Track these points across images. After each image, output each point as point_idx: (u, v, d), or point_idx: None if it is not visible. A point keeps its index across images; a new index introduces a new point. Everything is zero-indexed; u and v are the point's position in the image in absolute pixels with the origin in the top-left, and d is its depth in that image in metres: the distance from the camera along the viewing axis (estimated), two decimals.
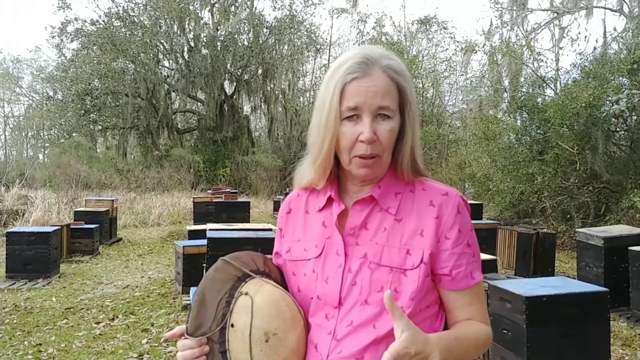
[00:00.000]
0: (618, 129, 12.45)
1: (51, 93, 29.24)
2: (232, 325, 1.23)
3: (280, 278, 1.40)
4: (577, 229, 7.73)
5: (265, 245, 5.20)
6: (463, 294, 1.31)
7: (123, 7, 26.67)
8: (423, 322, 1.28)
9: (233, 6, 28.56)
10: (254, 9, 28.25)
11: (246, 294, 1.26)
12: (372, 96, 1.24)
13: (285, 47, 29.07)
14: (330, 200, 1.36)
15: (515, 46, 17.63)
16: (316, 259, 1.33)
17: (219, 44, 27.21)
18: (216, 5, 28.19)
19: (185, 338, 1.25)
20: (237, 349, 1.22)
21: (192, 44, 27.51)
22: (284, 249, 1.42)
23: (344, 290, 1.27)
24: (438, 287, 1.31)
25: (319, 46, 31.47)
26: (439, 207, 1.29)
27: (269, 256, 1.46)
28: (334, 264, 1.30)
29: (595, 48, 16.32)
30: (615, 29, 20.14)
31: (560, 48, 17.78)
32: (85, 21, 26.41)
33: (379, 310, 1.23)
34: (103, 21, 26.22)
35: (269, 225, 7.65)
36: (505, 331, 4.03)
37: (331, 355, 1.25)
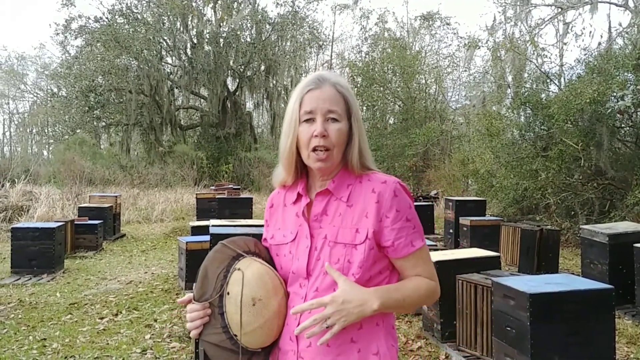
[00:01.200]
0: (623, 125, 12.41)
1: (55, 90, 29.24)
2: (228, 293, 1.59)
3: (268, 257, 1.76)
4: (581, 226, 7.68)
5: None
6: (407, 260, 1.64)
7: (126, 4, 26.69)
8: (378, 285, 1.63)
9: (236, 2, 28.54)
10: (256, 5, 28.24)
11: (239, 269, 1.62)
12: (322, 102, 1.62)
13: (288, 43, 29.07)
14: (300, 196, 1.72)
15: (519, 42, 17.55)
16: (292, 242, 1.69)
17: (221, 40, 27.20)
18: (219, 2, 28.17)
19: (193, 303, 1.61)
20: (231, 311, 1.59)
21: (195, 41, 27.51)
22: (269, 236, 1.79)
23: (311, 265, 1.63)
24: (387, 257, 1.64)
25: (321, 42, 31.47)
26: (379, 193, 1.62)
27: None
28: (303, 245, 1.66)
29: (600, 43, 16.25)
30: (620, 24, 20.05)
31: (565, 43, 17.68)
32: (89, 18, 26.47)
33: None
34: (107, 18, 26.22)
35: None
36: (508, 328, 4.02)
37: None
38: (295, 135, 1.63)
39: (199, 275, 1.62)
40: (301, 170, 1.72)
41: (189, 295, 1.64)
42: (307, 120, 1.62)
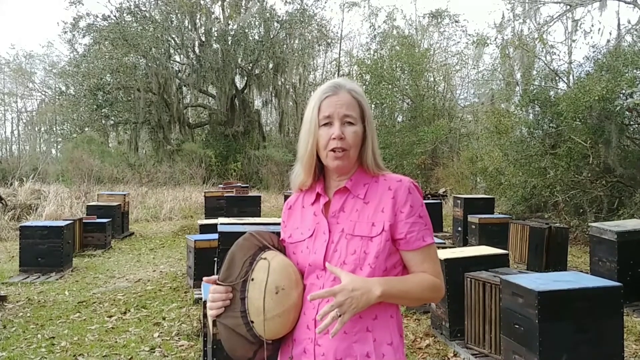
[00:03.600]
0: (632, 123, 12.34)
1: (63, 88, 29.32)
2: (253, 280, 1.66)
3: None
4: (590, 223, 7.65)
5: None
6: (416, 254, 1.72)
7: (134, 2, 26.75)
8: None
9: (244, 0, 28.54)
10: (264, 3, 28.23)
11: (265, 258, 1.69)
12: (339, 107, 1.73)
13: (296, 41, 29.06)
14: (318, 195, 1.83)
15: (528, 39, 17.49)
16: (309, 238, 1.78)
17: (230, 38, 27.21)
18: None
19: (217, 284, 1.68)
20: (254, 296, 1.64)
21: (203, 39, 27.53)
22: (287, 235, 1.88)
23: (328, 257, 1.71)
24: (399, 251, 1.73)
25: (329, 40, 31.42)
26: (395, 190, 1.74)
27: None
28: (321, 240, 1.75)
29: (608, 41, 16.16)
30: (629, 22, 19.98)
31: (573, 41, 17.60)
32: (97, 16, 26.52)
33: (353, 268, 1.67)
34: (114, 16, 26.28)
35: (280, 220, 7.63)
36: (517, 326, 4.01)
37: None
38: (315, 139, 1.74)
39: (226, 259, 1.71)
40: (319, 173, 1.83)
41: (213, 277, 1.72)
42: (325, 124, 1.73)
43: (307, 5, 28.90)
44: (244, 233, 1.79)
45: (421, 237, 1.72)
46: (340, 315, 1.53)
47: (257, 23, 28.47)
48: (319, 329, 1.54)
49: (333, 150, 1.72)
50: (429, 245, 1.74)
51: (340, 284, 1.57)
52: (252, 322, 1.64)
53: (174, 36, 27.31)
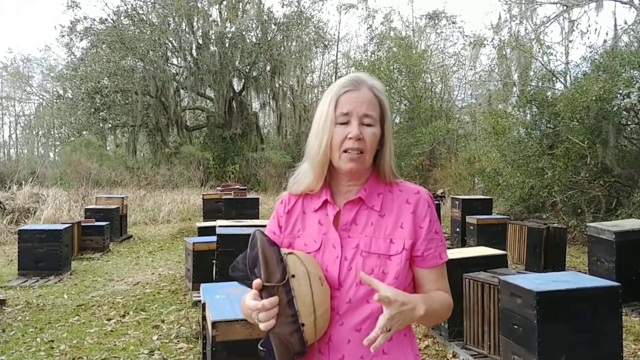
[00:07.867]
0: (629, 123, 12.36)
1: (61, 92, 29.34)
2: (293, 276, 1.45)
3: None
4: (588, 224, 7.66)
5: None
6: (432, 271, 1.61)
7: (132, 5, 26.78)
8: None
9: (241, 3, 28.57)
10: (262, 5, 28.27)
11: (290, 253, 1.51)
12: (359, 105, 1.57)
13: (294, 43, 29.08)
14: (325, 203, 1.65)
15: (525, 40, 17.52)
16: (316, 252, 1.60)
17: (227, 41, 27.22)
18: (224, 2, 28.21)
19: (264, 287, 1.43)
20: (303, 293, 1.44)
21: (201, 42, 27.56)
22: (285, 245, 1.67)
23: (342, 275, 1.55)
24: (412, 267, 1.61)
25: (327, 42, 31.47)
26: (415, 204, 1.61)
27: None
28: (332, 255, 1.58)
29: (605, 41, 16.21)
30: (625, 22, 20.01)
31: (570, 41, 17.63)
32: (95, 20, 26.59)
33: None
34: (112, 20, 26.33)
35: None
36: (516, 326, 4.02)
37: (335, 327, 1.52)
38: (330, 137, 1.57)
39: (260, 258, 1.45)
40: (326, 178, 1.66)
41: (257, 280, 1.45)
42: (341, 123, 1.57)
43: (304, 8, 28.94)
44: (242, 235, 1.71)
45: (438, 254, 1.61)
46: (388, 330, 1.39)
47: (254, 26, 28.50)
48: (368, 340, 1.37)
49: (346, 150, 1.55)
50: (444, 264, 1.64)
51: (393, 292, 1.42)
52: (303, 324, 1.43)
53: (171, 39, 27.35)
